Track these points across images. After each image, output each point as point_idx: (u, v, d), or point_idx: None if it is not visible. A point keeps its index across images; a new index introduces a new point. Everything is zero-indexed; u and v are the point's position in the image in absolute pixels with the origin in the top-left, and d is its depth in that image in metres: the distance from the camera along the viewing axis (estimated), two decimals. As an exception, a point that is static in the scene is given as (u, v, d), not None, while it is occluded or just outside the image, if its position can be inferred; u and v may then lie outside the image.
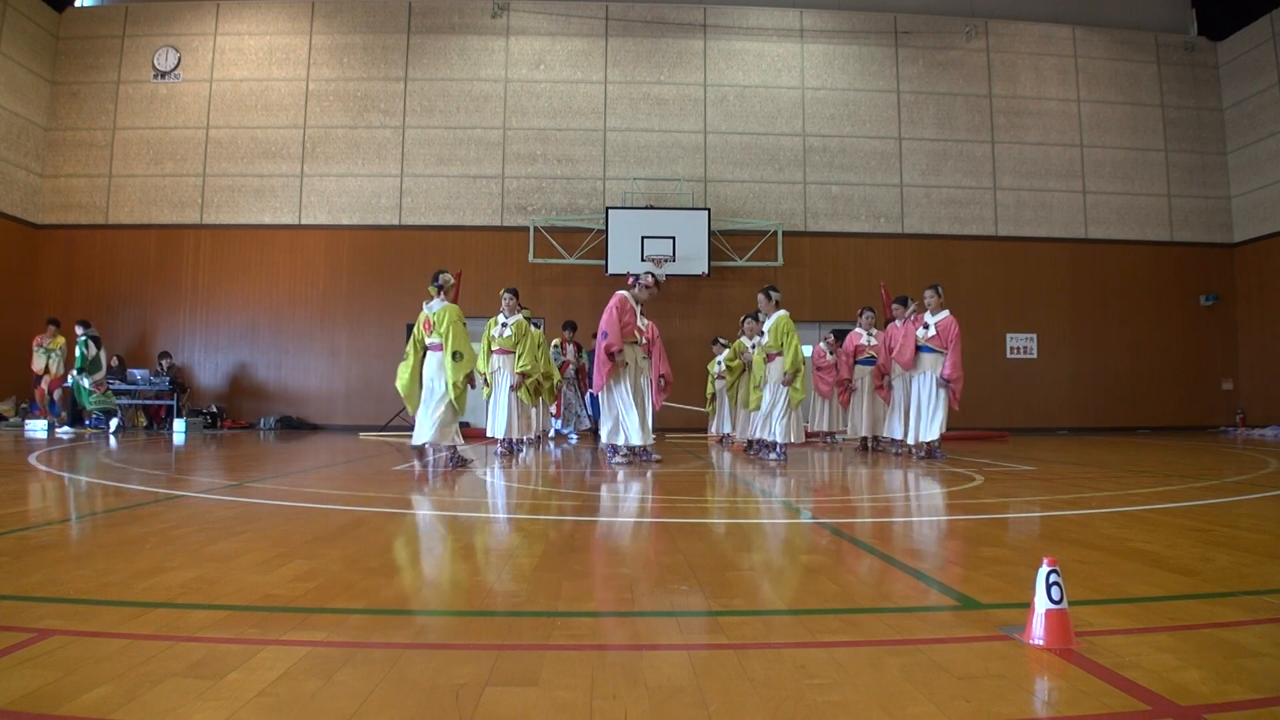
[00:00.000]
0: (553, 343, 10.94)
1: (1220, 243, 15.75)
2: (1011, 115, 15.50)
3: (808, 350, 12.26)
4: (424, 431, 6.18)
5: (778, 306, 7.77)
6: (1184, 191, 15.76)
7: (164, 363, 13.34)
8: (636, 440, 6.98)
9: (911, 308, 8.63)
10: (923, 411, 7.87)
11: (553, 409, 10.71)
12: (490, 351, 7.89)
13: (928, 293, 8.13)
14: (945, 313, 8.01)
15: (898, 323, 8.59)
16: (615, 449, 7.06)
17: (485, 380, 7.93)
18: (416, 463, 6.28)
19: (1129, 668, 1.64)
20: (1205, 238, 15.73)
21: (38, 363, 12.63)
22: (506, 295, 8.20)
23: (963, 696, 1.49)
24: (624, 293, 7.12)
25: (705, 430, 12.17)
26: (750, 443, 8.26)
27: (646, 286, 7.13)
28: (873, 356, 9.32)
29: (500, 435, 7.50)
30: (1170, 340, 15.37)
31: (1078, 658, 1.71)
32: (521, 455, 8.07)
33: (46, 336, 12.75)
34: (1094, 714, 1.42)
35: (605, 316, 6.98)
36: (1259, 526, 3.72)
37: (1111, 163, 15.61)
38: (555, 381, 9.70)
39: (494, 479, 5.83)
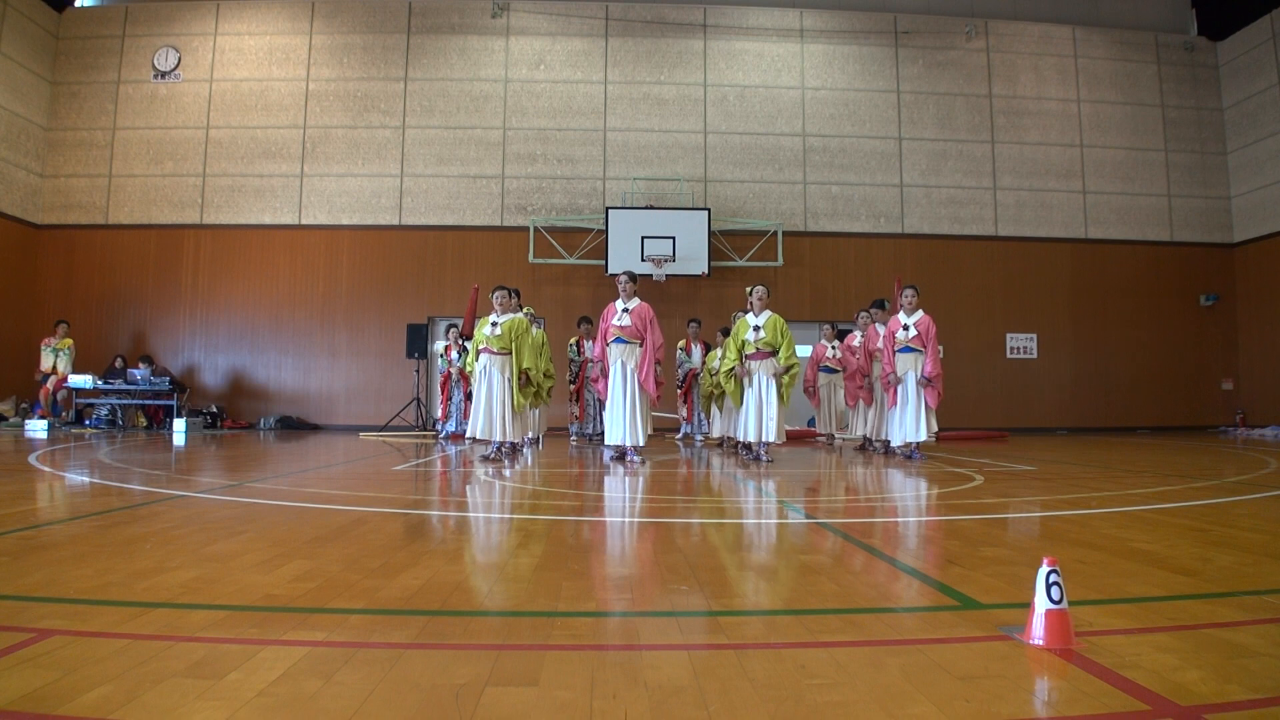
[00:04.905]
0: (570, 341, 10.95)
1: (1220, 243, 15.75)
2: (1011, 115, 15.50)
3: (805, 350, 12.25)
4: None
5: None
6: (1184, 191, 15.76)
7: (144, 366, 13.17)
8: (615, 440, 7.30)
9: (885, 310, 9.19)
10: (909, 412, 7.88)
11: (574, 410, 10.71)
12: (478, 351, 7.67)
13: (908, 292, 8.16)
14: (920, 312, 8.04)
15: (878, 326, 8.95)
16: (608, 448, 7.50)
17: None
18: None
19: (1129, 668, 1.64)
20: (1205, 238, 15.73)
21: (45, 362, 12.72)
22: (498, 294, 7.71)
23: (963, 696, 1.49)
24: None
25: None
26: (739, 444, 8.28)
27: (622, 286, 7.52)
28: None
29: (487, 437, 7.43)
30: (1170, 340, 15.37)
31: (1078, 658, 1.71)
32: (521, 457, 8.07)
33: (55, 337, 12.83)
34: (1094, 714, 1.42)
35: None
36: (1259, 526, 3.72)
37: (1111, 163, 15.61)
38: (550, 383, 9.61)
39: (492, 480, 5.83)
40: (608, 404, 7.48)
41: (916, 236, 15.09)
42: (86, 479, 5.55)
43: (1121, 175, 15.62)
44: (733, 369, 7.77)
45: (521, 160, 14.81)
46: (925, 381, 7.77)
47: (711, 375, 10.48)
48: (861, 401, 9.58)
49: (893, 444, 8.18)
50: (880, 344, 8.68)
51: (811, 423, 13.40)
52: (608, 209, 14.24)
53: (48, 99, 14.70)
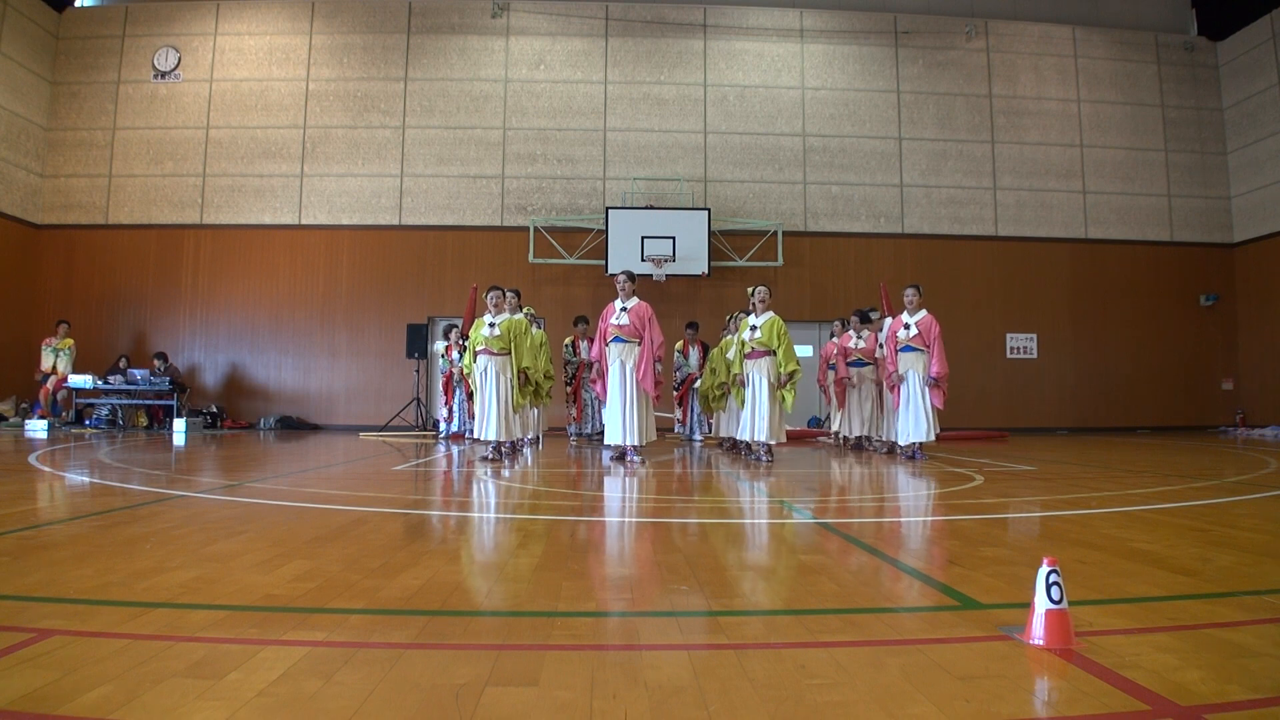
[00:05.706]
0: (565, 341, 10.94)
1: (1220, 243, 15.74)
2: (1011, 115, 15.49)
3: (808, 350, 12.21)
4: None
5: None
6: (1184, 191, 15.75)
7: (159, 363, 13.28)
8: (614, 440, 7.29)
9: (875, 318, 9.57)
10: (911, 411, 7.87)
11: (572, 411, 10.70)
12: (475, 352, 7.65)
13: (908, 292, 8.14)
14: (924, 312, 8.03)
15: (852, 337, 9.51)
16: (608, 448, 7.50)
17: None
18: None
19: (1129, 668, 1.64)
20: (1205, 238, 15.73)
21: (46, 362, 12.75)
22: (493, 294, 7.68)
23: (963, 696, 1.49)
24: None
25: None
26: (735, 442, 8.30)
27: (620, 286, 7.50)
28: (861, 359, 9.54)
29: (489, 438, 7.44)
30: (1170, 340, 15.37)
31: (1078, 658, 1.71)
32: (521, 456, 8.07)
33: (56, 337, 12.85)
34: (1094, 714, 1.42)
35: None
36: (1259, 526, 3.72)
37: (1111, 163, 15.61)
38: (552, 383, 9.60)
39: (492, 480, 5.83)
40: (607, 404, 7.44)
41: (916, 236, 15.09)
42: (86, 479, 5.55)
43: (1121, 175, 15.61)
44: (723, 383, 7.94)
45: (521, 160, 14.81)
46: (932, 383, 7.75)
47: (714, 374, 10.53)
48: (857, 400, 9.65)
49: (898, 444, 8.18)
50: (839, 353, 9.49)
51: (811, 423, 13.41)
52: (608, 209, 14.24)
53: (48, 99, 14.69)
